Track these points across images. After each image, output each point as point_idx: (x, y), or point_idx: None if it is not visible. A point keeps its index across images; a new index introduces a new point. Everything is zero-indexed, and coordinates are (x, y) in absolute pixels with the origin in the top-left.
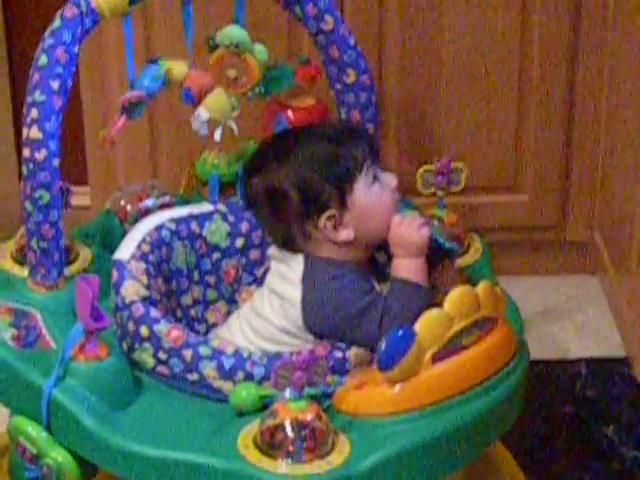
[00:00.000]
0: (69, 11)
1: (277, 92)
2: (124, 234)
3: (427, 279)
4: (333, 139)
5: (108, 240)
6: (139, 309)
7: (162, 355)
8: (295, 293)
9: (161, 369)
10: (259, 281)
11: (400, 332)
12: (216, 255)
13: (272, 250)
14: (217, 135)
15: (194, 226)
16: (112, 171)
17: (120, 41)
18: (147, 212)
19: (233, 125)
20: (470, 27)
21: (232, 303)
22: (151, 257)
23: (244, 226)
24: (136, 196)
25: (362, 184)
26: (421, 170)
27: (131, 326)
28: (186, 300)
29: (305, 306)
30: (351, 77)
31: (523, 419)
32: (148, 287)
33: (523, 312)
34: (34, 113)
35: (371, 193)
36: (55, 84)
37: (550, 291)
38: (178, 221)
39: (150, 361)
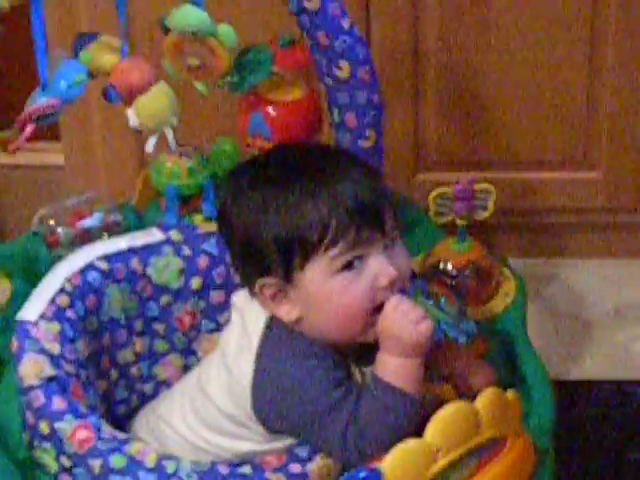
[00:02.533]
0: None
1: (254, 82)
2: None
3: (421, 384)
4: (305, 184)
5: (32, 272)
6: (39, 397)
7: (65, 461)
8: (246, 368)
9: (64, 478)
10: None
11: (362, 474)
12: (165, 298)
13: (237, 296)
14: (149, 146)
15: (135, 263)
16: (89, 125)
17: None
18: (87, 235)
19: (170, 135)
20: None
21: (189, 355)
22: (70, 312)
23: (202, 261)
24: (71, 214)
25: (321, 266)
26: (434, 194)
27: (30, 418)
28: (125, 356)
29: (255, 389)
30: (344, 71)
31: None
32: (59, 359)
33: (594, 306)
34: None
35: (332, 282)
36: None
37: (624, 278)
38: (113, 258)
39: (52, 465)
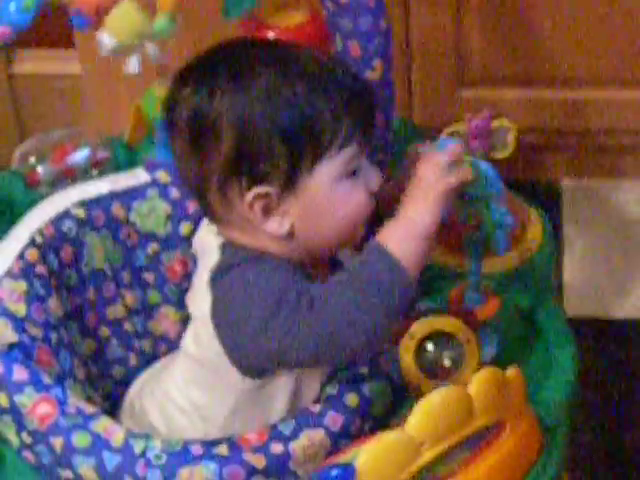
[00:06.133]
0: None
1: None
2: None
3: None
4: (318, 81)
5: (10, 214)
6: None
7: (26, 437)
8: (205, 304)
9: (27, 454)
10: None
11: (334, 471)
12: (153, 246)
13: (195, 241)
14: (131, 66)
15: (116, 209)
16: None
17: None
18: (73, 172)
19: (152, 49)
20: None
21: (184, 308)
22: (41, 268)
23: (193, 204)
24: (55, 150)
25: (331, 169)
26: (448, 132)
27: None
28: (116, 312)
29: (215, 317)
30: None
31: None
32: (23, 323)
33: None
34: None
35: (338, 188)
36: None
37: None
38: (91, 204)
39: (14, 440)
